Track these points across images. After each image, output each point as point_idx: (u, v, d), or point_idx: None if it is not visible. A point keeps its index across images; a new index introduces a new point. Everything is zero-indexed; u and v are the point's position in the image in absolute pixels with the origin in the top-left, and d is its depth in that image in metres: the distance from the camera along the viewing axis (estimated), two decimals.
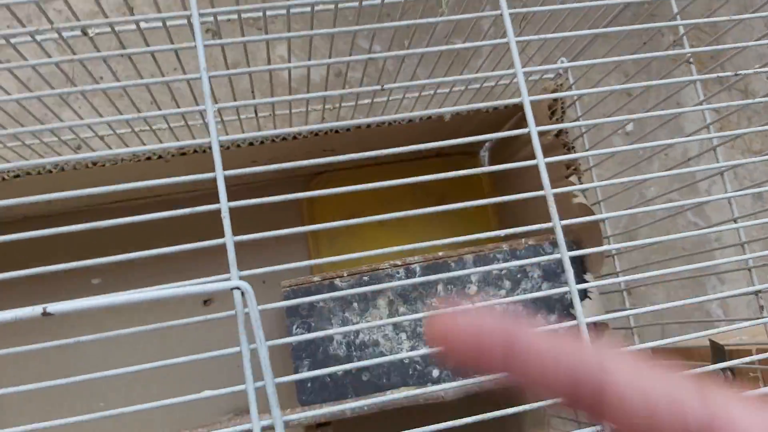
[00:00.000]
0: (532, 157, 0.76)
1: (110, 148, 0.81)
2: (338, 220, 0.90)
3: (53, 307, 0.29)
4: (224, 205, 0.33)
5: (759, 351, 0.48)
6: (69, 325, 0.78)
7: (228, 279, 0.33)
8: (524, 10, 0.38)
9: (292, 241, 0.86)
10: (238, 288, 0.30)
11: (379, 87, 0.37)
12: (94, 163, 0.65)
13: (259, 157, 0.74)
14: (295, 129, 0.37)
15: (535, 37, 0.38)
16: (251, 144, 0.67)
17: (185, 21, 0.53)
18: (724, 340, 0.56)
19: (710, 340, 0.47)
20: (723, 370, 0.50)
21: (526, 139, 0.74)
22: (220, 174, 0.33)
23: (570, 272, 0.34)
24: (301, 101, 0.85)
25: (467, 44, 0.39)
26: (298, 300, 0.34)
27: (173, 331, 0.81)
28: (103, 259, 0.32)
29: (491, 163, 0.90)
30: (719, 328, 0.40)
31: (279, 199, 0.33)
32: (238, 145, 0.68)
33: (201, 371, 0.71)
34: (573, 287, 0.34)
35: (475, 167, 0.91)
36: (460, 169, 0.89)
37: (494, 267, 0.38)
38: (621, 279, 0.38)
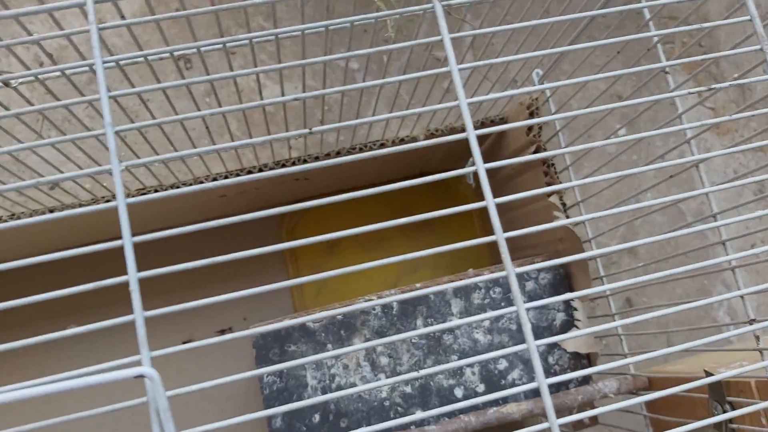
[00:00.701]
0: (519, 171, 0.72)
1: (83, 188, 0.78)
2: (319, 245, 0.85)
3: None
4: (132, 276, 0.30)
5: (758, 384, 0.44)
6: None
7: (139, 361, 0.29)
8: (465, 33, 0.34)
9: (272, 271, 0.83)
10: (144, 375, 0.27)
11: (307, 131, 0.33)
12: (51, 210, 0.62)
13: (228, 191, 0.71)
14: (229, 181, 0.33)
15: (478, 63, 0.34)
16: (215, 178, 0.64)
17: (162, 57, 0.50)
18: (723, 364, 0.52)
19: (707, 378, 0.43)
20: (722, 403, 0.46)
21: (513, 150, 0.70)
22: (128, 241, 0.30)
23: (527, 326, 0.31)
24: (264, 124, 0.82)
25: (404, 77, 0.35)
26: (223, 379, 0.31)
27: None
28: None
29: (476, 179, 0.86)
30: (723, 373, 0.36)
31: (189, 267, 0.30)
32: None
33: None
34: (531, 344, 0.30)
35: (459, 184, 0.87)
36: (444, 188, 0.84)
37: (477, 318, 0.34)
38: (616, 324, 0.34)
